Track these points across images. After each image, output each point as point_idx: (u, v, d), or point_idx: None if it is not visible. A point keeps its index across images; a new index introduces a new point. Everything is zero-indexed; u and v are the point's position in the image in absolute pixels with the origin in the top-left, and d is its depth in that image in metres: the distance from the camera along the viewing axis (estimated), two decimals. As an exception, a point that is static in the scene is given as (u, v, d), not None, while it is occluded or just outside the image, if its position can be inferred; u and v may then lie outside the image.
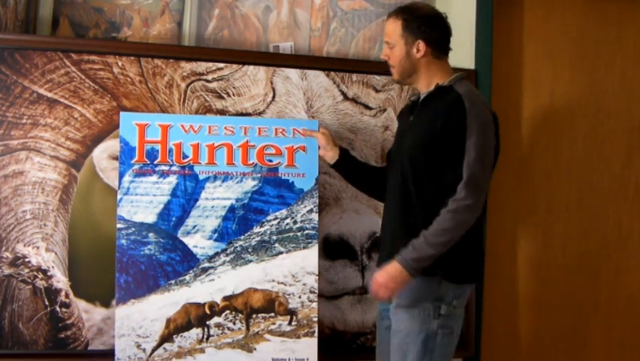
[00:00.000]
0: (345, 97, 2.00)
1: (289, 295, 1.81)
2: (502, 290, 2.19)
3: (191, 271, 1.79)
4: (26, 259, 1.81)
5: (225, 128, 1.83)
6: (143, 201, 1.78)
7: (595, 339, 2.26)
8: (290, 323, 1.81)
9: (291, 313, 1.81)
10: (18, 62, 1.81)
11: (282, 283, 1.81)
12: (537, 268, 2.22)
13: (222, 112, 1.92)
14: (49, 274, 1.82)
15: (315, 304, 1.82)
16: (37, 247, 1.81)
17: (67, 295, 1.83)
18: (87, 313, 1.84)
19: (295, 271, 1.81)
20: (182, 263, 1.78)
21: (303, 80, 1.97)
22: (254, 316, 1.80)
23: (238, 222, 1.82)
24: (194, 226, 1.80)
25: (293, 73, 1.96)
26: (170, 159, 1.79)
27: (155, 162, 1.79)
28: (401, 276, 1.50)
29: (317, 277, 1.83)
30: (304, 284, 1.82)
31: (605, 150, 2.27)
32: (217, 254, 1.80)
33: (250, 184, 1.82)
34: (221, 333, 1.78)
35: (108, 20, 2.05)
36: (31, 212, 1.82)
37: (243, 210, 1.82)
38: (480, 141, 1.49)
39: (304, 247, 1.83)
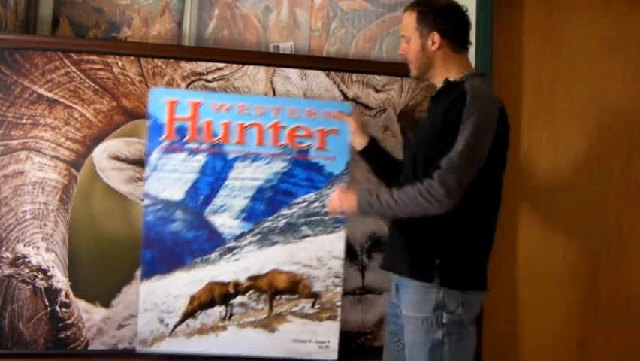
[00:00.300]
0: (345, 97, 2.00)
1: (314, 278, 1.81)
2: (502, 290, 2.19)
3: (217, 250, 1.79)
4: (26, 259, 1.81)
5: (256, 108, 1.81)
6: (170, 179, 1.77)
7: (595, 339, 2.26)
8: (313, 306, 1.81)
9: (315, 296, 1.81)
10: (18, 62, 1.81)
11: (307, 265, 1.81)
12: (537, 269, 2.22)
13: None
14: (49, 274, 1.82)
15: (339, 289, 1.82)
16: (37, 247, 1.81)
17: (67, 295, 1.83)
18: (87, 313, 1.84)
19: (321, 254, 1.81)
20: (208, 241, 1.78)
21: (303, 80, 1.97)
22: (277, 297, 1.80)
23: (266, 203, 1.81)
24: (222, 205, 1.79)
25: (293, 73, 1.96)
26: (199, 137, 1.78)
27: (184, 140, 1.78)
28: (350, 203, 1.56)
29: (342, 262, 1.83)
30: (329, 268, 1.82)
31: (605, 150, 2.26)
32: (243, 234, 1.80)
33: (280, 166, 1.81)
34: (244, 312, 1.79)
35: (108, 20, 2.05)
36: (31, 212, 1.82)
37: (272, 191, 1.81)
38: (471, 137, 1.44)
39: (331, 232, 1.82)
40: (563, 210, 2.25)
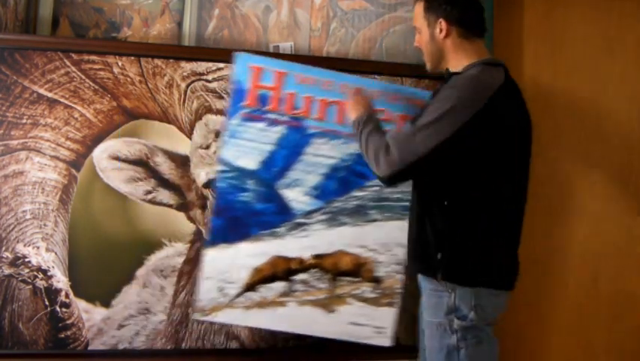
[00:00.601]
0: (346, 97, 1.99)
1: (378, 263, 1.79)
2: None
3: (285, 224, 1.76)
4: (26, 259, 1.81)
5: (341, 85, 1.76)
6: (247, 147, 1.73)
7: (595, 339, 2.26)
8: (374, 291, 1.79)
9: (377, 280, 1.79)
10: (18, 62, 1.81)
11: (372, 250, 1.79)
12: (537, 269, 2.22)
13: (223, 112, 1.92)
14: (49, 274, 1.82)
15: (400, 276, 1.80)
16: (37, 247, 1.81)
17: (67, 295, 1.83)
18: (87, 313, 1.84)
19: (387, 240, 1.79)
20: (277, 215, 1.75)
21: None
22: (339, 278, 1.78)
23: (339, 182, 1.78)
24: (295, 180, 1.76)
25: (293, 73, 1.96)
26: (281, 107, 1.74)
27: (265, 109, 1.74)
28: (355, 109, 1.58)
29: (404, 249, 1.78)
30: (393, 255, 1.80)
31: (605, 150, 2.26)
32: (313, 211, 1.77)
33: (356, 147, 1.74)
34: (305, 290, 1.76)
35: (108, 20, 2.05)
36: (31, 212, 1.82)
37: (346, 171, 1.78)
38: (437, 112, 1.38)
39: (399, 219, 1.79)
40: (563, 210, 2.25)
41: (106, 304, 1.86)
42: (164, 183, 1.90)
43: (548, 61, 2.24)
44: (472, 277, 1.46)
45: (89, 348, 1.85)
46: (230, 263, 1.73)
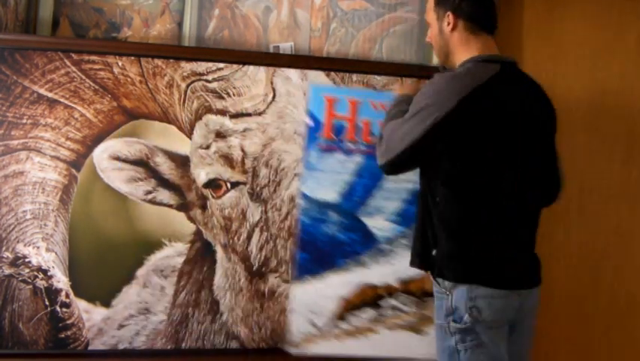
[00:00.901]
0: (346, 97, 2.00)
1: None
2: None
3: (369, 252, 1.76)
4: (26, 259, 1.81)
5: None
6: (326, 179, 1.73)
7: (595, 339, 2.26)
8: None
9: None
10: (18, 62, 1.81)
11: None
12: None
13: (223, 112, 1.92)
14: (49, 274, 1.82)
15: None
16: (38, 247, 1.82)
17: (67, 295, 1.83)
18: (87, 313, 1.85)
19: None
20: (361, 243, 1.75)
21: (304, 81, 1.97)
22: (425, 299, 1.77)
23: None
24: (376, 207, 1.76)
25: (293, 73, 1.96)
26: (357, 137, 1.73)
27: (342, 139, 1.74)
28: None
29: None
30: None
31: (605, 149, 2.26)
32: (397, 237, 1.77)
33: None
34: (395, 315, 1.76)
35: (108, 20, 2.05)
36: (32, 212, 1.82)
37: None
38: (415, 106, 1.41)
39: None
40: (563, 211, 2.25)
41: (106, 304, 1.86)
42: (164, 183, 1.90)
43: (548, 61, 2.25)
44: (464, 273, 1.43)
45: (89, 348, 1.85)
46: (318, 295, 1.74)
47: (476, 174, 1.43)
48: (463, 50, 1.52)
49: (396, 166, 1.46)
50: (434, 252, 1.46)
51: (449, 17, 1.52)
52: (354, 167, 1.73)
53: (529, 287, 1.49)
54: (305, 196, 1.72)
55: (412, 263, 1.55)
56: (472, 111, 1.39)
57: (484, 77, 1.42)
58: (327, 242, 1.73)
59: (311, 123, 1.72)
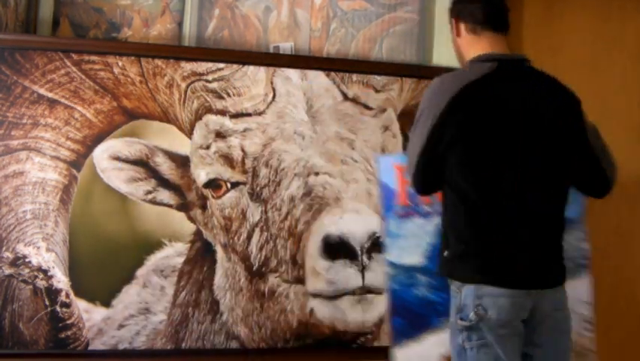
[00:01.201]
0: (346, 97, 2.00)
1: None
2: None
3: None
4: (27, 259, 1.81)
5: None
6: (409, 245, 1.75)
7: (595, 339, 2.25)
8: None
9: None
10: (18, 62, 1.81)
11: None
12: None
13: (223, 112, 1.92)
14: (49, 274, 1.82)
15: (590, 334, 1.78)
16: (38, 247, 1.82)
17: (67, 295, 1.83)
18: (87, 313, 1.85)
19: (571, 299, 1.66)
20: None
21: (303, 81, 1.97)
22: None
23: None
24: None
25: (293, 73, 1.97)
26: (432, 199, 1.73)
27: (417, 203, 1.76)
28: None
29: (591, 306, 1.78)
30: (578, 313, 1.75)
31: (605, 149, 2.26)
32: None
33: None
34: None
35: (108, 21, 2.05)
36: (32, 212, 1.82)
37: None
38: (412, 129, 1.48)
39: (574, 277, 1.74)
40: (563, 210, 2.25)
41: (106, 304, 1.86)
42: (164, 183, 1.90)
43: (548, 61, 2.24)
44: (471, 273, 1.45)
45: (89, 348, 1.85)
46: (419, 358, 1.72)
47: (475, 175, 1.44)
48: (471, 52, 1.55)
49: (419, 181, 1.48)
50: (446, 253, 1.50)
51: (454, 23, 1.58)
52: (433, 228, 1.74)
53: (541, 288, 1.48)
54: (391, 264, 1.74)
55: (437, 272, 1.58)
56: (462, 109, 1.40)
57: (475, 76, 1.44)
58: (419, 304, 1.73)
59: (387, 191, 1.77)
